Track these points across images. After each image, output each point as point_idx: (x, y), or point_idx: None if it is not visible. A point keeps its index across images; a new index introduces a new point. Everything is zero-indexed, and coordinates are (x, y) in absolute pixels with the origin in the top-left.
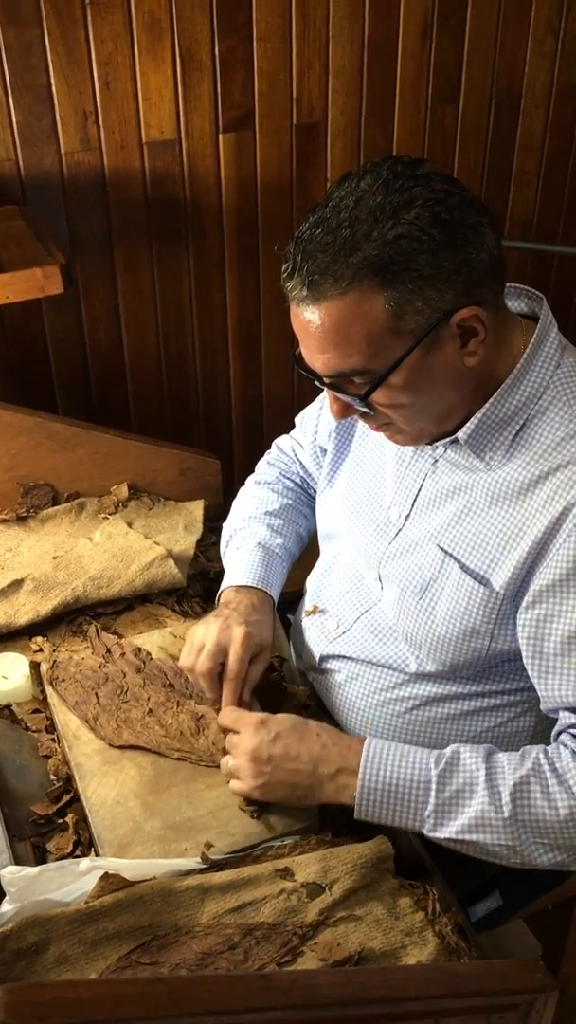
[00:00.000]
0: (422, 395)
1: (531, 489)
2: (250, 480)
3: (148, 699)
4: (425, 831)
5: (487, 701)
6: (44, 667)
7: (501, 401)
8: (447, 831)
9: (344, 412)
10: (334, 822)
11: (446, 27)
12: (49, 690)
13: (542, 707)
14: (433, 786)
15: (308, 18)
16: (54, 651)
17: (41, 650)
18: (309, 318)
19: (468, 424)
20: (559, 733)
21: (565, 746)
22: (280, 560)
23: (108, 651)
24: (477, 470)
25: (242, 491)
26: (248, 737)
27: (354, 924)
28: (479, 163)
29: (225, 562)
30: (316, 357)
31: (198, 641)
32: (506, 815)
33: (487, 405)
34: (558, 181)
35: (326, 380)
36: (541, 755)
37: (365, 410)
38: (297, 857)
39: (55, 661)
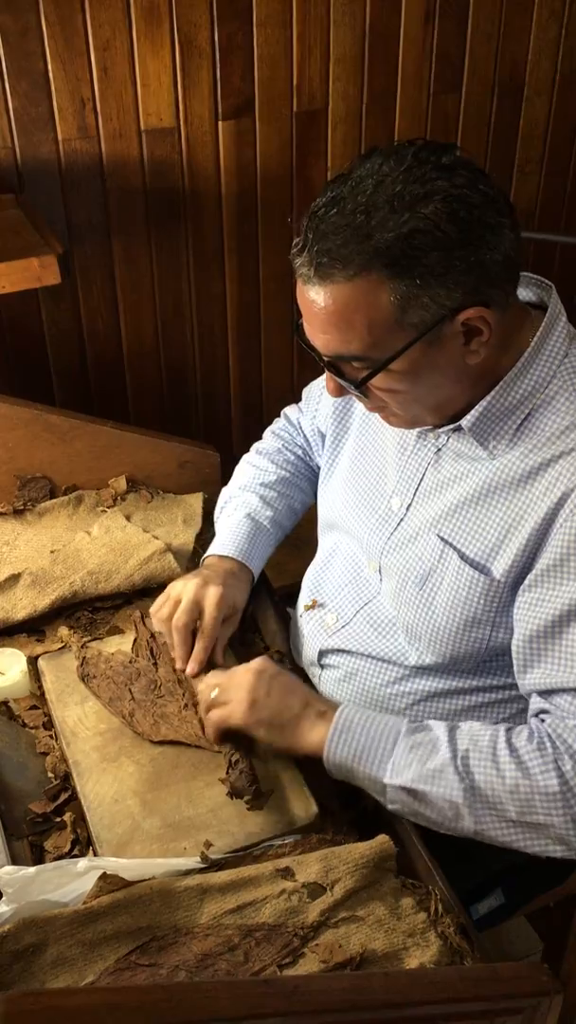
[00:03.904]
0: (419, 385)
1: (533, 477)
2: (252, 448)
3: (183, 694)
4: (385, 778)
5: (488, 696)
6: (74, 661)
7: (506, 390)
8: (404, 777)
9: (339, 391)
10: (335, 821)
11: (448, 13)
12: (47, 686)
13: (522, 691)
14: (402, 736)
15: (309, 3)
16: (81, 647)
17: (68, 642)
18: (314, 298)
19: (472, 412)
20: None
21: (527, 726)
22: (267, 533)
23: (152, 636)
24: (480, 459)
25: (244, 458)
26: (256, 662)
27: (356, 925)
28: (481, 152)
29: (216, 528)
30: (317, 336)
31: (175, 594)
32: (462, 772)
33: (492, 394)
34: (561, 170)
35: (325, 358)
36: (502, 729)
37: (360, 393)
38: (298, 856)
39: (84, 658)
